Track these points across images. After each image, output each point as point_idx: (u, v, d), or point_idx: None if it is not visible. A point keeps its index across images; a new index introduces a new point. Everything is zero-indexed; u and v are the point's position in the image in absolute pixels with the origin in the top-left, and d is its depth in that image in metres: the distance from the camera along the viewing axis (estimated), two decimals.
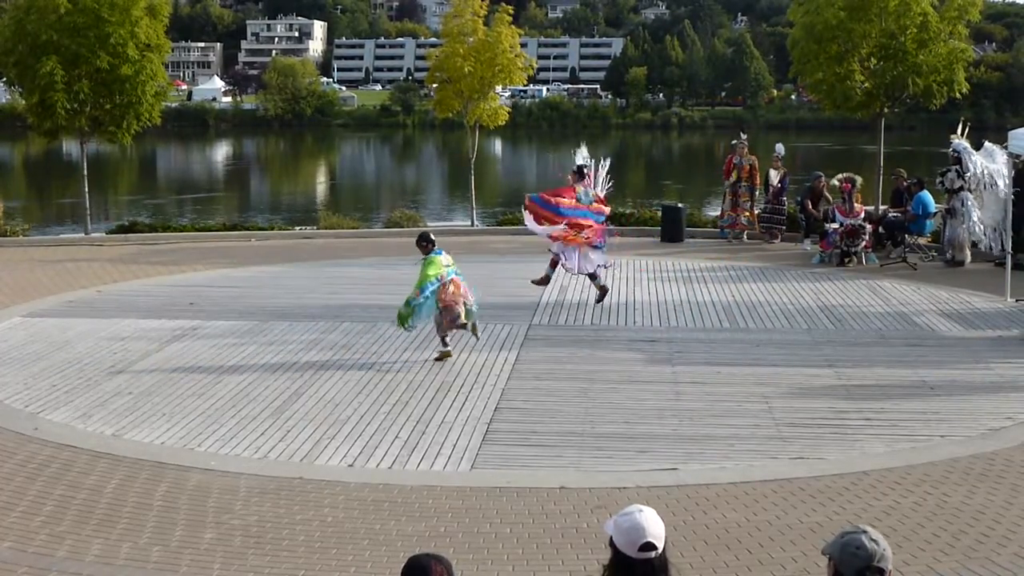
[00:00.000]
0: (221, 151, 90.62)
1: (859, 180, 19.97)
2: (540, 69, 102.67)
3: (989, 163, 18.76)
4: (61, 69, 22.04)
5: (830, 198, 20.84)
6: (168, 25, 23.84)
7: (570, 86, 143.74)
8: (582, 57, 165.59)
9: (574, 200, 15.79)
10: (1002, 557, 7.48)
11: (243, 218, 35.61)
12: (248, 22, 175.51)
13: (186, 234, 23.97)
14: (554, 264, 16.16)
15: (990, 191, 18.76)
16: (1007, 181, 17.53)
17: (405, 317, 12.92)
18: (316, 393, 11.60)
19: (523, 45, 27.20)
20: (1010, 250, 16.92)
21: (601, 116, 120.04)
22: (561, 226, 15.64)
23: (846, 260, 19.35)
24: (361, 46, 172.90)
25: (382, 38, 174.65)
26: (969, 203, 19.08)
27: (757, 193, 22.37)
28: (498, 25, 24.92)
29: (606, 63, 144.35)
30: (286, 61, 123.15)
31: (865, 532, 3.73)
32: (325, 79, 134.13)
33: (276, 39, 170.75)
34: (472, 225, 25.45)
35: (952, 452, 9.73)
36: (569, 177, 16.31)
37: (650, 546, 3.89)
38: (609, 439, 10.11)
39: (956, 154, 19.12)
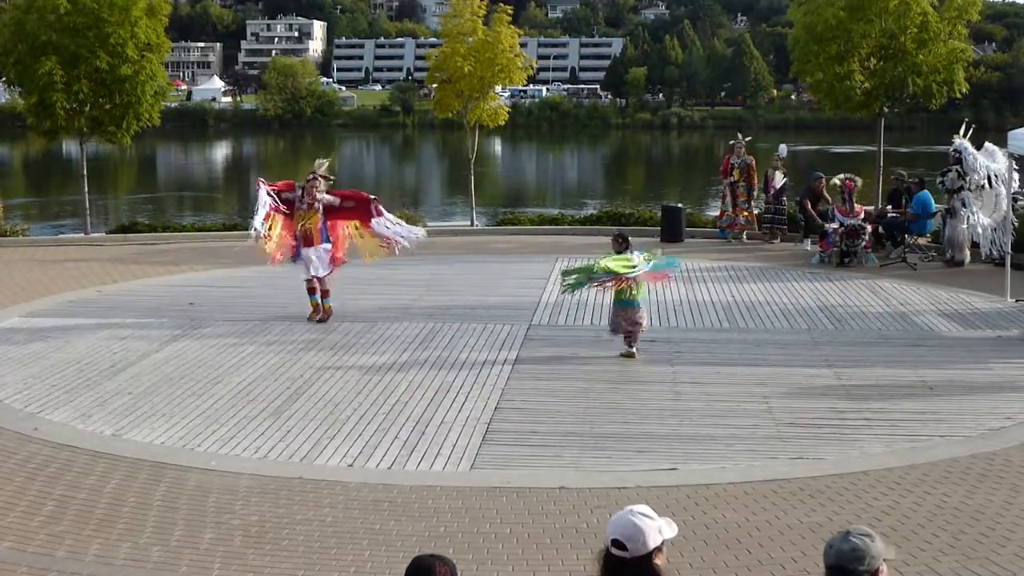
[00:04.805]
0: (221, 151, 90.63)
1: (859, 181, 19.97)
2: (540, 69, 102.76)
3: (990, 163, 18.77)
4: (60, 69, 22.05)
5: (828, 198, 20.83)
6: (168, 25, 23.83)
7: (570, 86, 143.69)
8: (582, 57, 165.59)
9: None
10: (1002, 557, 7.48)
11: (243, 218, 35.58)
12: (248, 22, 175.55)
13: (186, 234, 23.97)
14: (312, 290, 15.10)
15: (990, 191, 18.77)
16: (1008, 181, 17.53)
17: (574, 279, 13.10)
18: (316, 393, 11.60)
19: (523, 45, 27.20)
20: (1010, 250, 16.92)
21: (601, 116, 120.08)
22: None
23: (846, 260, 19.34)
24: (361, 46, 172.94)
25: (382, 38, 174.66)
26: (970, 203, 19.08)
27: (755, 193, 22.38)
28: (498, 25, 24.92)
29: (606, 63, 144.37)
30: (286, 61, 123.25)
31: (848, 533, 3.79)
32: (325, 79, 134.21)
33: (276, 39, 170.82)
34: (472, 225, 25.46)
35: (952, 452, 9.72)
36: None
37: (618, 544, 3.92)
38: (609, 439, 10.11)
39: (957, 154, 19.11)
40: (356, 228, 15.42)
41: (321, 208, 14.95)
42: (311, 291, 15.13)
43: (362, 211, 15.31)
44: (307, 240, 14.91)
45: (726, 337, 14.17)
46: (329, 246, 15.08)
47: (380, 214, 15.27)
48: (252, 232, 14.74)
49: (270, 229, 14.70)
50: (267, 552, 7.62)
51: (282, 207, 14.89)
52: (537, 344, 13.78)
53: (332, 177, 15.68)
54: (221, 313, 15.55)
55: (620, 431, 10.33)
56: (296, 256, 15.06)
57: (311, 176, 15.03)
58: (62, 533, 7.91)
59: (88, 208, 24.62)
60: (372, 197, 15.43)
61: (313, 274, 14.98)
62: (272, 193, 14.90)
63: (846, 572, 3.71)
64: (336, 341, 13.92)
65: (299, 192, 15.07)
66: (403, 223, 15.85)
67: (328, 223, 15.11)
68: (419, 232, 15.72)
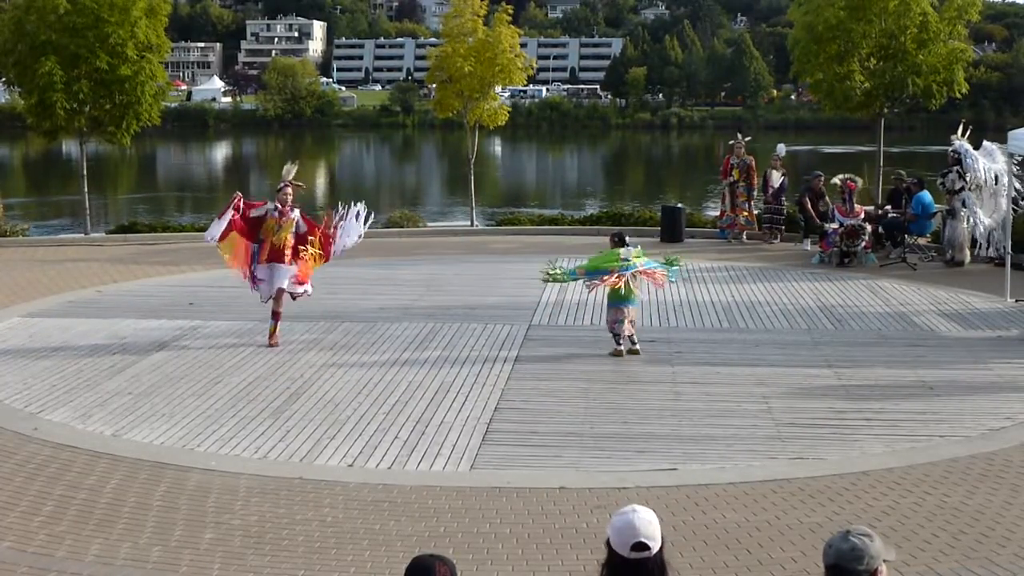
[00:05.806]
0: (220, 152, 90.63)
1: (859, 181, 19.97)
2: (540, 69, 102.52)
3: (990, 162, 18.77)
4: (60, 69, 22.06)
5: (827, 199, 20.81)
6: (168, 25, 23.84)
7: (570, 86, 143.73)
8: (582, 57, 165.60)
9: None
10: (1002, 557, 7.48)
11: None
12: (248, 22, 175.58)
13: (186, 234, 23.93)
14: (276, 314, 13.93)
15: (991, 191, 18.77)
16: (1009, 182, 17.52)
17: (557, 275, 13.60)
18: (316, 393, 11.60)
19: (523, 45, 27.23)
20: (1010, 250, 16.92)
21: (601, 116, 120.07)
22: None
23: (846, 260, 19.35)
24: (361, 46, 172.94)
25: (382, 38, 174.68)
26: (970, 203, 19.08)
27: (755, 193, 22.39)
28: (498, 25, 24.94)
29: (606, 63, 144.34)
30: (286, 61, 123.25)
31: (847, 532, 3.80)
32: (325, 79, 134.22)
33: (276, 39, 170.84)
34: (472, 225, 25.46)
35: (952, 452, 9.72)
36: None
37: (642, 546, 3.91)
38: (608, 439, 10.11)
39: (957, 155, 19.12)
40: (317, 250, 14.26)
41: (291, 225, 13.92)
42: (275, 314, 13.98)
43: (324, 247, 14.24)
44: (275, 255, 13.88)
45: (726, 337, 14.17)
46: (295, 269, 14.00)
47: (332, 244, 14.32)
48: (207, 238, 14.09)
49: (223, 240, 13.87)
50: (267, 552, 7.62)
51: (247, 221, 13.97)
52: (537, 344, 13.78)
53: (302, 184, 14.88)
54: (221, 313, 15.56)
55: (620, 431, 10.33)
56: (253, 279, 14.02)
57: (281, 185, 14.15)
58: (62, 533, 7.91)
59: (88, 208, 24.62)
60: (332, 241, 14.33)
61: (277, 286, 13.85)
62: (238, 207, 13.94)
63: (845, 572, 3.72)
64: (336, 341, 13.92)
65: (270, 205, 14.05)
66: (348, 233, 14.51)
67: (297, 249, 14.00)
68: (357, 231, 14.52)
